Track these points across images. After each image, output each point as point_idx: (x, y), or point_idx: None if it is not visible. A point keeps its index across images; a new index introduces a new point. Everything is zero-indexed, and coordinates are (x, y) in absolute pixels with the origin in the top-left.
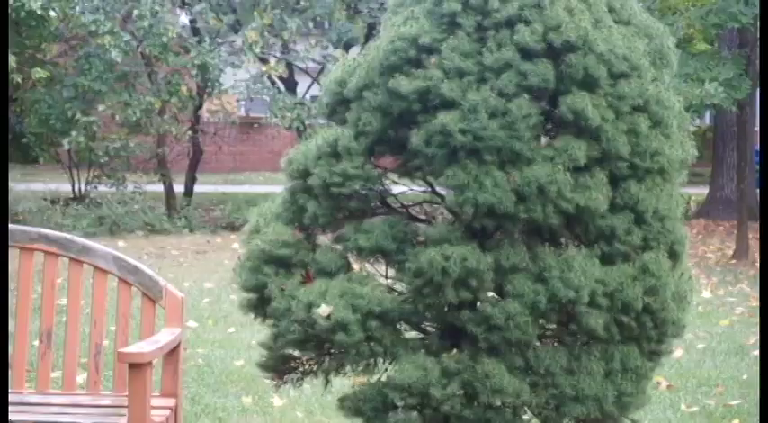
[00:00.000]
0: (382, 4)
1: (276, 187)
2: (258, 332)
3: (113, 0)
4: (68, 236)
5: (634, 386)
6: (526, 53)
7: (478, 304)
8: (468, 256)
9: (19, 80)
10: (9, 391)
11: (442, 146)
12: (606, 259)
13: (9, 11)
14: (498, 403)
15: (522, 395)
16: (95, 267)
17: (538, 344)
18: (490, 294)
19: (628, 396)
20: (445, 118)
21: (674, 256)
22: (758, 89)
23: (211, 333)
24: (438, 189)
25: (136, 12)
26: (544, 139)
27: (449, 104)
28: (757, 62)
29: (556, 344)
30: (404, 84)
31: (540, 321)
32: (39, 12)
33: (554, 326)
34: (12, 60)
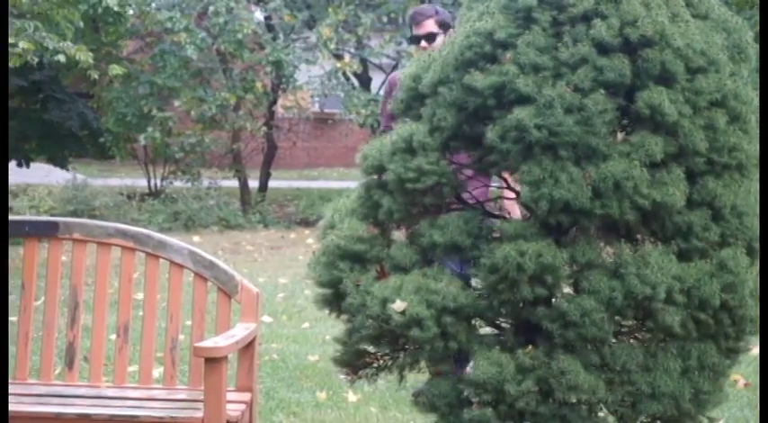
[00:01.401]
0: None
1: (350, 183)
2: (332, 327)
3: None
4: (145, 231)
5: (711, 384)
6: (602, 48)
7: (554, 300)
8: (543, 252)
9: (96, 76)
10: (87, 384)
11: (517, 141)
12: (683, 256)
13: (87, 7)
14: (574, 400)
15: (597, 392)
16: (171, 262)
17: (614, 341)
18: (566, 290)
19: (705, 394)
20: (521, 113)
21: (751, 252)
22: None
23: (286, 328)
24: (513, 184)
25: (211, 8)
26: (620, 135)
27: (524, 100)
28: None
29: (632, 341)
30: (479, 79)
31: (616, 318)
32: (115, 8)
33: (630, 322)
34: (89, 57)
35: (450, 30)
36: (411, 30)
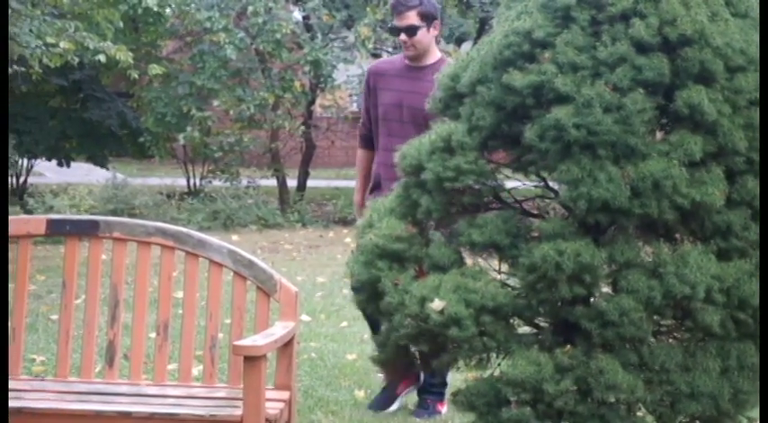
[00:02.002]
0: None
1: None
2: None
3: None
4: (184, 230)
5: (751, 384)
6: (641, 47)
7: (592, 300)
8: (581, 252)
9: (136, 76)
10: (127, 382)
11: (555, 141)
12: (722, 255)
13: (127, 7)
14: (612, 399)
15: (636, 392)
16: (211, 261)
17: (652, 340)
18: (604, 290)
19: (744, 394)
20: (559, 113)
21: None
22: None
23: (324, 327)
24: (551, 184)
25: (250, 8)
26: (659, 134)
27: (563, 99)
28: None
29: (671, 340)
30: (517, 78)
31: (655, 317)
32: (155, 9)
33: (669, 322)
34: (128, 57)
35: (436, 22)
36: (392, 18)
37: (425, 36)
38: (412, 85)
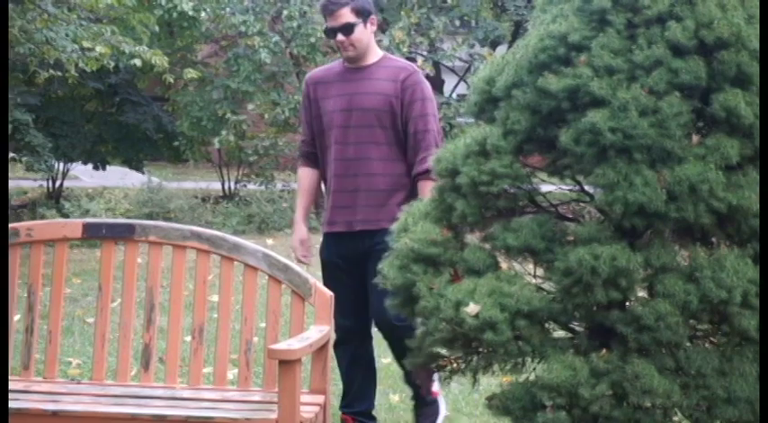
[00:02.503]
0: (529, 1)
1: None
2: None
3: (263, 1)
4: (220, 234)
5: None
6: (677, 50)
7: (628, 304)
8: (617, 256)
9: (171, 80)
10: (163, 385)
11: (591, 144)
12: (759, 259)
13: (162, 11)
14: (648, 404)
15: (672, 396)
16: (246, 265)
17: (689, 344)
18: (640, 294)
19: None
20: (595, 116)
21: None
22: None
23: None
24: (587, 188)
25: (285, 12)
26: (695, 138)
27: (598, 102)
28: None
29: (707, 345)
30: (553, 82)
31: (691, 322)
32: (190, 13)
33: (705, 326)
34: (164, 61)
35: (372, 17)
36: (325, 20)
37: (363, 33)
38: (358, 86)
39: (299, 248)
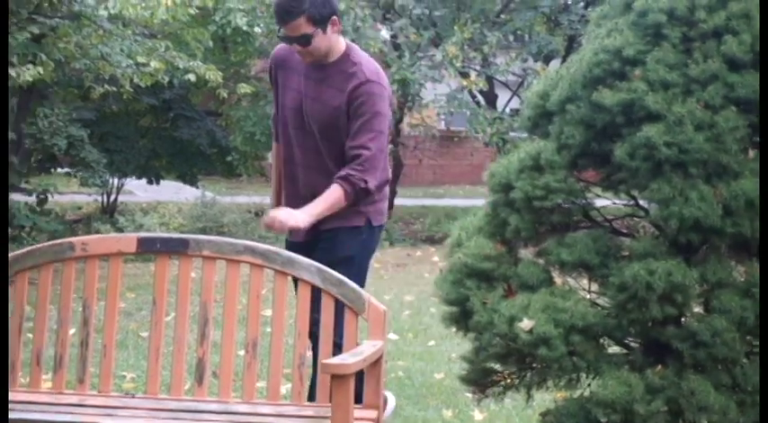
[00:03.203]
0: (583, 16)
1: (476, 200)
2: (458, 345)
3: None
4: (273, 248)
5: None
6: (733, 64)
7: (684, 320)
8: (673, 271)
9: (225, 95)
10: (216, 400)
11: (646, 159)
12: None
13: (216, 27)
14: (704, 421)
15: (728, 413)
16: (300, 279)
17: (745, 361)
18: (696, 310)
19: None
20: (650, 131)
21: None
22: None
23: (412, 346)
24: (642, 203)
25: None
26: (752, 152)
27: (653, 117)
28: None
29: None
30: (607, 96)
31: (748, 338)
32: (244, 28)
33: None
34: (218, 76)
35: (334, 18)
36: (279, 28)
37: (323, 40)
38: (314, 89)
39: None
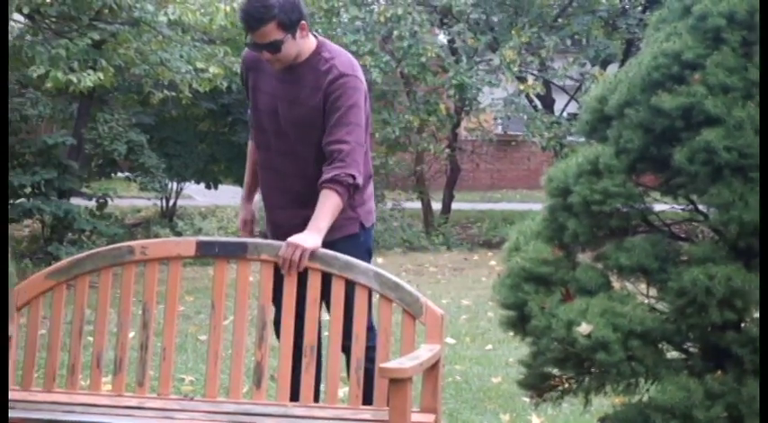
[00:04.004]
0: (641, 20)
1: (533, 205)
2: (515, 350)
3: (374, 21)
4: (331, 252)
5: None
6: None
7: (743, 325)
8: (733, 276)
9: None
10: (275, 403)
11: (705, 163)
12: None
13: None
14: None
15: None
16: (357, 283)
17: None
18: (756, 315)
19: None
20: (709, 135)
21: None
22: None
23: (469, 350)
24: (701, 207)
25: (395, 32)
26: None
27: (713, 121)
28: None
29: None
30: (666, 100)
31: None
32: None
33: None
34: None
35: (302, 22)
36: (246, 34)
37: (293, 45)
38: (287, 90)
39: (241, 229)
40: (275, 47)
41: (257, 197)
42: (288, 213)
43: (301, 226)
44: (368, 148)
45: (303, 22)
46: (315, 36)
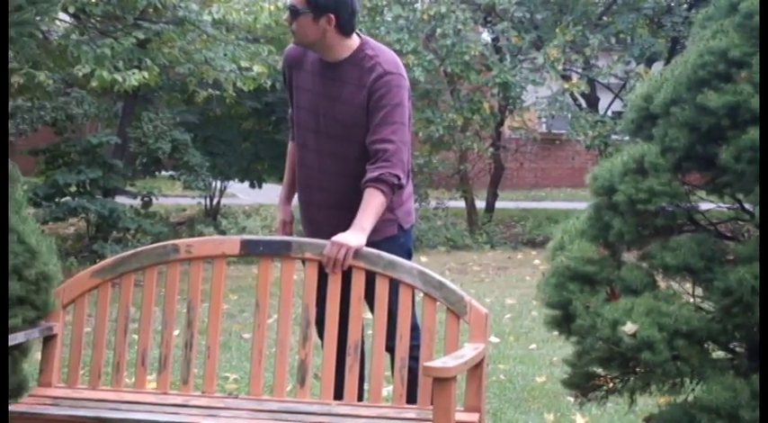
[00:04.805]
0: (686, 17)
1: (577, 204)
2: (559, 349)
3: (417, 19)
4: (375, 251)
5: None
6: None
7: None
8: None
9: None
10: (318, 401)
11: (751, 162)
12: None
13: None
14: None
15: None
16: (401, 282)
17: None
18: None
19: None
20: (756, 133)
21: None
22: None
23: (513, 349)
24: (747, 206)
25: (439, 31)
26: None
27: (759, 119)
28: None
29: None
30: (713, 98)
31: None
32: None
33: None
34: None
35: (329, 15)
36: None
37: (309, 26)
38: (327, 87)
39: (280, 231)
40: (292, 12)
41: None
42: (326, 212)
43: (339, 225)
44: (409, 146)
45: (332, 15)
46: (358, 35)
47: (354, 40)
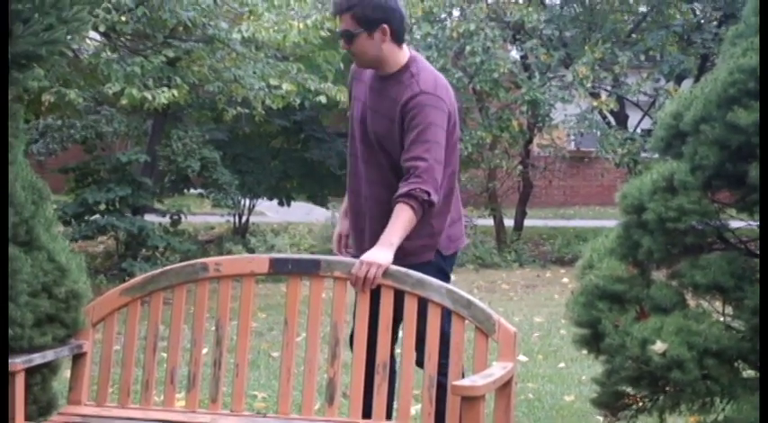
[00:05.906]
0: (716, 34)
1: (605, 222)
2: (588, 368)
3: (446, 37)
4: (403, 269)
5: None
6: None
7: None
8: None
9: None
10: (347, 420)
11: None
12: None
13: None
14: None
15: None
16: (429, 301)
17: None
18: None
19: None
20: None
21: None
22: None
23: (541, 368)
24: None
25: (468, 48)
26: None
27: None
28: None
29: None
30: (743, 116)
31: None
32: None
33: None
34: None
35: (383, 26)
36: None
37: (368, 44)
38: (374, 99)
39: (335, 243)
40: (347, 37)
41: None
42: (369, 222)
43: (379, 234)
44: (454, 170)
45: (385, 25)
46: (411, 51)
47: (405, 55)
